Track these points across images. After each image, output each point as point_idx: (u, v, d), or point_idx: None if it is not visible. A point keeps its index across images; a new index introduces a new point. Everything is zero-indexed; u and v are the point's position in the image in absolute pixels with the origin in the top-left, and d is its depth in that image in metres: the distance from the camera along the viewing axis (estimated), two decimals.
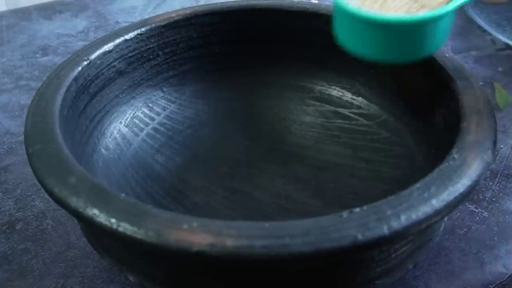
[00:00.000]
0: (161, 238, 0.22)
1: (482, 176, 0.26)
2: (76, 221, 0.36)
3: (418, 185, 0.25)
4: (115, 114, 0.40)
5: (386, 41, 0.32)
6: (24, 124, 0.30)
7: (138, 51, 0.41)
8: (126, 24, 0.61)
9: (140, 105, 0.42)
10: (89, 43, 0.39)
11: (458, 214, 0.37)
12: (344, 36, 0.33)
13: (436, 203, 0.24)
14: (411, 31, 0.30)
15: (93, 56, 0.37)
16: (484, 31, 0.57)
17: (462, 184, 0.25)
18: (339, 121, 0.42)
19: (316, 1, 0.68)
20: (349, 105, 0.43)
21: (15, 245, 0.35)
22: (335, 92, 0.44)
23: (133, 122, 0.41)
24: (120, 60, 0.39)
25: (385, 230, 0.22)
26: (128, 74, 0.41)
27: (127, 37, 0.39)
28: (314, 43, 0.42)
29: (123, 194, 0.25)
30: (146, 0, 0.72)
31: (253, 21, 0.43)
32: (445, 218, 0.31)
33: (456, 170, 0.26)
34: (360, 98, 0.43)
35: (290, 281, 0.26)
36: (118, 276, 0.33)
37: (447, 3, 0.31)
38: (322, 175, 0.38)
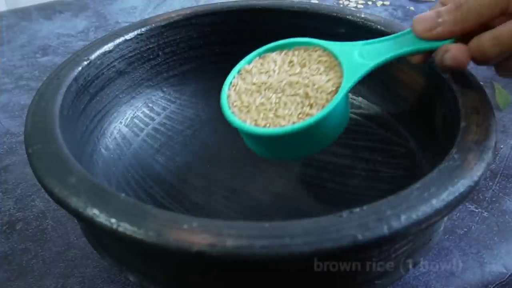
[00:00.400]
0: (161, 238, 0.22)
1: (482, 176, 0.26)
2: (76, 221, 0.36)
3: (418, 185, 0.25)
4: (115, 114, 0.40)
5: (288, 146, 0.32)
6: (24, 124, 0.30)
7: (138, 51, 0.41)
8: (126, 24, 0.61)
9: (140, 105, 0.42)
10: (89, 43, 0.39)
11: (458, 214, 0.37)
12: (251, 145, 0.34)
13: (436, 203, 0.24)
14: (306, 134, 0.31)
15: (93, 56, 0.37)
16: None
17: (462, 184, 0.25)
18: None
19: (316, 1, 0.68)
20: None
21: (15, 245, 0.35)
22: None
23: (133, 122, 0.41)
24: (120, 60, 0.40)
25: (385, 230, 0.22)
26: (128, 74, 0.41)
27: (127, 37, 0.40)
28: None
29: (123, 194, 0.25)
30: (146, 0, 0.72)
31: (253, 21, 0.43)
32: (445, 218, 0.31)
33: (456, 170, 0.26)
34: (360, 98, 0.43)
35: (290, 281, 0.26)
36: (118, 276, 0.33)
37: (336, 91, 0.31)
38: (322, 175, 0.38)
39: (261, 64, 0.34)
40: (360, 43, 0.33)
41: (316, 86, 0.32)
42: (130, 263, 0.29)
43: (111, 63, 0.39)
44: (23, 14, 0.69)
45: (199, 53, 0.44)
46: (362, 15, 0.40)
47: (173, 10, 0.43)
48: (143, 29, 0.40)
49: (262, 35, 0.43)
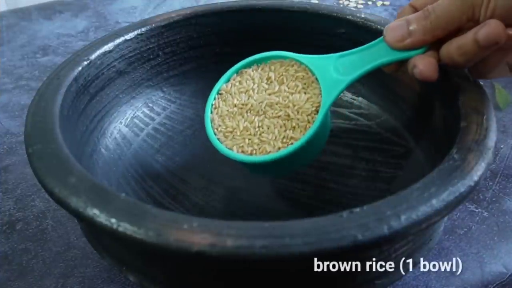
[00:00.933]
0: (161, 238, 0.22)
1: (482, 176, 0.26)
2: (76, 221, 0.36)
3: (418, 185, 0.25)
4: (115, 114, 0.40)
5: (274, 167, 0.33)
6: (24, 124, 0.30)
7: (138, 51, 0.41)
8: (126, 24, 0.61)
9: (140, 105, 0.42)
10: (89, 43, 0.39)
11: (458, 214, 0.37)
12: (239, 164, 0.34)
13: (436, 203, 0.24)
14: (291, 157, 0.32)
15: (93, 56, 0.37)
16: None
17: (462, 184, 0.25)
18: (339, 121, 0.42)
19: (316, 1, 0.68)
20: (349, 105, 0.43)
21: (15, 245, 0.35)
22: None
23: (133, 122, 0.41)
24: (120, 60, 0.40)
25: (385, 230, 0.22)
26: (128, 74, 0.41)
27: (127, 37, 0.39)
28: (314, 43, 0.42)
29: (123, 194, 0.25)
30: (146, 0, 0.72)
31: (253, 21, 0.43)
32: (445, 218, 0.31)
33: (456, 170, 0.25)
34: (360, 98, 0.43)
35: (290, 281, 0.26)
36: (118, 276, 0.33)
37: (316, 111, 0.32)
38: (322, 175, 0.38)
39: (240, 83, 0.35)
40: (335, 55, 0.33)
41: (296, 107, 0.32)
42: (130, 263, 0.29)
43: (111, 63, 0.39)
44: (23, 14, 0.69)
45: (199, 53, 0.44)
46: (362, 15, 0.40)
47: (173, 10, 0.43)
48: (143, 29, 0.40)
49: (262, 35, 0.43)
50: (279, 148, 0.32)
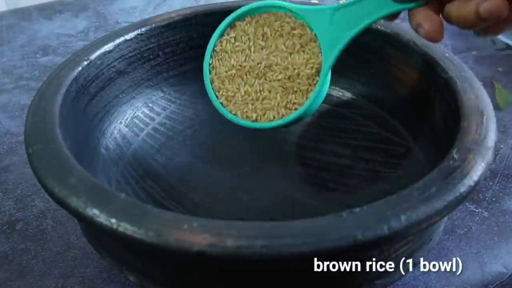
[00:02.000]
0: (161, 238, 0.22)
1: (483, 176, 0.26)
2: (76, 221, 0.36)
3: (418, 185, 0.25)
4: (115, 114, 0.40)
5: (277, 128, 0.34)
6: (24, 124, 0.30)
7: (138, 51, 0.41)
8: (126, 24, 0.61)
9: (140, 105, 0.42)
10: (89, 43, 0.39)
11: (458, 214, 0.37)
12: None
13: (436, 203, 0.24)
14: (296, 119, 0.33)
15: (93, 56, 0.37)
16: None
17: (462, 184, 0.25)
18: (339, 121, 0.42)
19: (317, 1, 0.68)
20: (349, 105, 0.43)
21: (15, 245, 0.35)
22: (335, 92, 0.44)
23: (133, 122, 0.41)
24: (120, 60, 0.40)
25: (385, 230, 0.22)
26: (128, 74, 0.41)
27: (127, 37, 0.40)
28: None
29: (123, 194, 0.25)
30: (146, 0, 0.72)
31: None
32: (445, 218, 0.31)
33: (456, 170, 0.25)
34: (360, 98, 0.43)
35: (290, 281, 0.26)
36: (118, 276, 0.33)
37: (316, 72, 0.32)
38: (322, 175, 0.38)
39: (234, 39, 0.34)
40: (331, 7, 0.32)
41: (296, 71, 0.33)
42: (130, 263, 0.29)
43: (111, 63, 0.39)
44: (23, 14, 0.69)
45: (199, 53, 0.44)
46: None
47: (173, 10, 0.43)
48: (143, 29, 0.40)
49: None
50: (283, 115, 0.33)
